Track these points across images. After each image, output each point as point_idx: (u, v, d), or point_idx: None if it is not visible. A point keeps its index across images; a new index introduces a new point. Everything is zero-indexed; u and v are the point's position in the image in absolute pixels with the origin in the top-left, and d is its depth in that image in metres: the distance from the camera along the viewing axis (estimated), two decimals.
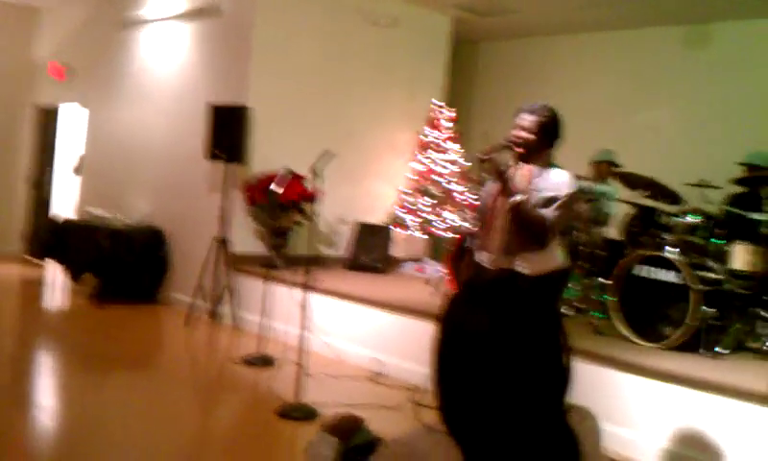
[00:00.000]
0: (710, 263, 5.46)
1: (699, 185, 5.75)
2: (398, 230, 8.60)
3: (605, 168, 6.85)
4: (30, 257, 10.12)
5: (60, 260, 8.49)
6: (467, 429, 1.32)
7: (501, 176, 3.76)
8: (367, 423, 1.98)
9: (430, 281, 7.23)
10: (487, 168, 3.84)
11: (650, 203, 6.07)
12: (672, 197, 5.96)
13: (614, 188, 6.73)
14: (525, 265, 3.67)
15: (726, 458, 4.08)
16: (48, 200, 10.48)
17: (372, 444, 1.87)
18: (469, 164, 8.50)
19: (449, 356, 1.38)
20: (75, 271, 8.22)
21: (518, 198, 3.74)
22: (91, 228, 8.26)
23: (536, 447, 1.32)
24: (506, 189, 3.75)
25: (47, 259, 8.94)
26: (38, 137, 10.82)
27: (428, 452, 1.26)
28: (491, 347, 1.31)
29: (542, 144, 3.98)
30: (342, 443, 1.89)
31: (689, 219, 5.61)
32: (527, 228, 3.75)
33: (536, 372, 1.33)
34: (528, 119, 3.95)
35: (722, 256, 5.48)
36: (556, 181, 3.83)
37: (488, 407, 1.30)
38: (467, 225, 8.01)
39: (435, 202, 8.52)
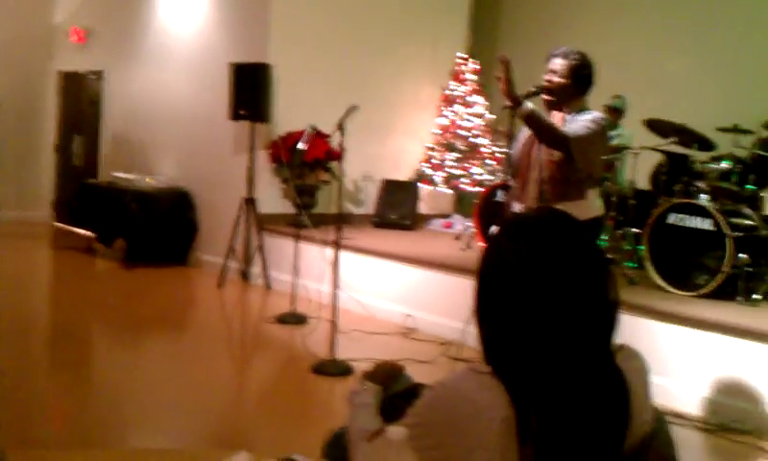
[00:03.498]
0: (744, 210, 5.38)
1: (731, 130, 5.63)
2: (425, 185, 8.56)
3: (614, 114, 6.67)
4: (59, 223, 10.20)
5: (90, 226, 8.54)
6: (514, 369, 1.30)
7: (507, 84, 3.74)
8: (407, 370, 1.97)
9: (459, 237, 7.20)
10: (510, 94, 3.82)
11: (681, 150, 5.96)
12: (703, 143, 5.83)
13: (629, 134, 6.60)
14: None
15: (766, 404, 4.05)
16: (75, 166, 10.51)
17: (415, 389, 1.86)
18: (495, 117, 8.40)
19: (497, 294, 1.34)
20: (105, 236, 8.27)
21: (529, 106, 3.72)
22: (118, 191, 8.30)
23: (583, 385, 1.30)
24: (511, 97, 3.74)
25: (76, 225, 9.00)
26: (63, 103, 10.83)
27: (473, 394, 1.24)
28: (541, 282, 1.28)
29: (574, 90, 3.91)
30: (384, 390, 1.87)
31: (722, 165, 5.51)
32: (545, 138, 3.78)
33: (583, 308, 1.30)
34: (559, 63, 3.88)
35: (756, 203, 5.38)
36: (582, 118, 3.83)
37: (536, 345, 1.28)
38: (493, 178, 7.94)
39: (461, 156, 8.43)
